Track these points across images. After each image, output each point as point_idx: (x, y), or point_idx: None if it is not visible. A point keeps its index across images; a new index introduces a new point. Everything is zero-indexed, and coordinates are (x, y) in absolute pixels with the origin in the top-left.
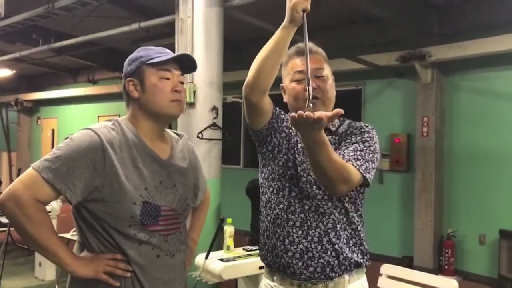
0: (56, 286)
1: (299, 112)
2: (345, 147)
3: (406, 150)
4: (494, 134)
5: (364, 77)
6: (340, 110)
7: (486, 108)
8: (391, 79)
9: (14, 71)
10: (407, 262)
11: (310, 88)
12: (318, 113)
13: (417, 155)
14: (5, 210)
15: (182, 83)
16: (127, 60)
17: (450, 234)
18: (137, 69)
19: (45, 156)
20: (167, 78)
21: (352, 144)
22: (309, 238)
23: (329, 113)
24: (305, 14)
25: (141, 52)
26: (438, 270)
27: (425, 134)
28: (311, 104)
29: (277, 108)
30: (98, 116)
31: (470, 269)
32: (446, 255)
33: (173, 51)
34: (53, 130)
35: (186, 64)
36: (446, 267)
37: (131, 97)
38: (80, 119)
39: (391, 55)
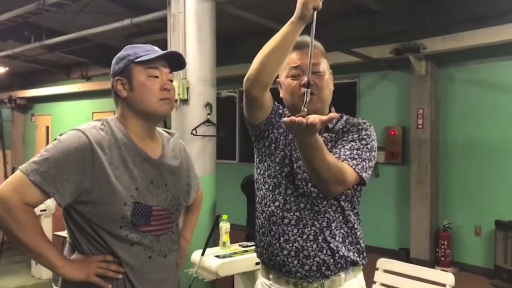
0: (53, 284)
1: (292, 117)
2: (341, 146)
3: (402, 143)
4: (488, 125)
5: (358, 70)
6: (335, 115)
7: (480, 99)
8: (386, 71)
9: (6, 69)
10: (403, 254)
11: (309, 92)
12: (311, 118)
13: (412, 147)
14: None
15: (171, 81)
16: (114, 58)
17: (446, 225)
18: (125, 68)
19: (33, 158)
20: (156, 76)
21: (349, 142)
22: (305, 236)
23: (324, 117)
24: (315, 12)
25: (128, 50)
26: (434, 261)
27: (420, 126)
28: (305, 109)
29: (276, 103)
30: (93, 113)
31: (466, 260)
32: (442, 246)
33: (166, 47)
34: (47, 127)
35: (175, 61)
36: (442, 258)
37: (119, 96)
38: (74, 115)
39: (385, 47)
